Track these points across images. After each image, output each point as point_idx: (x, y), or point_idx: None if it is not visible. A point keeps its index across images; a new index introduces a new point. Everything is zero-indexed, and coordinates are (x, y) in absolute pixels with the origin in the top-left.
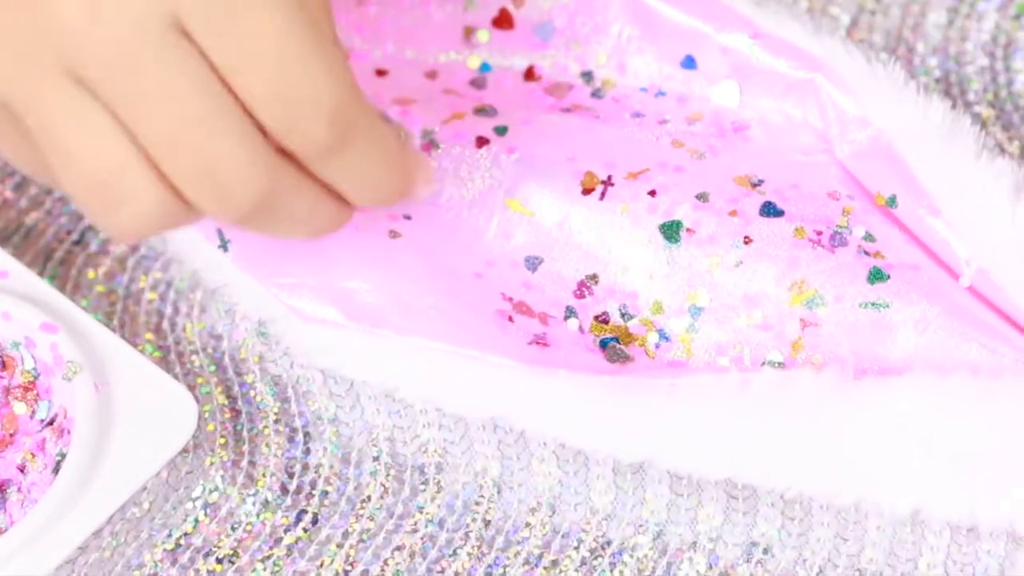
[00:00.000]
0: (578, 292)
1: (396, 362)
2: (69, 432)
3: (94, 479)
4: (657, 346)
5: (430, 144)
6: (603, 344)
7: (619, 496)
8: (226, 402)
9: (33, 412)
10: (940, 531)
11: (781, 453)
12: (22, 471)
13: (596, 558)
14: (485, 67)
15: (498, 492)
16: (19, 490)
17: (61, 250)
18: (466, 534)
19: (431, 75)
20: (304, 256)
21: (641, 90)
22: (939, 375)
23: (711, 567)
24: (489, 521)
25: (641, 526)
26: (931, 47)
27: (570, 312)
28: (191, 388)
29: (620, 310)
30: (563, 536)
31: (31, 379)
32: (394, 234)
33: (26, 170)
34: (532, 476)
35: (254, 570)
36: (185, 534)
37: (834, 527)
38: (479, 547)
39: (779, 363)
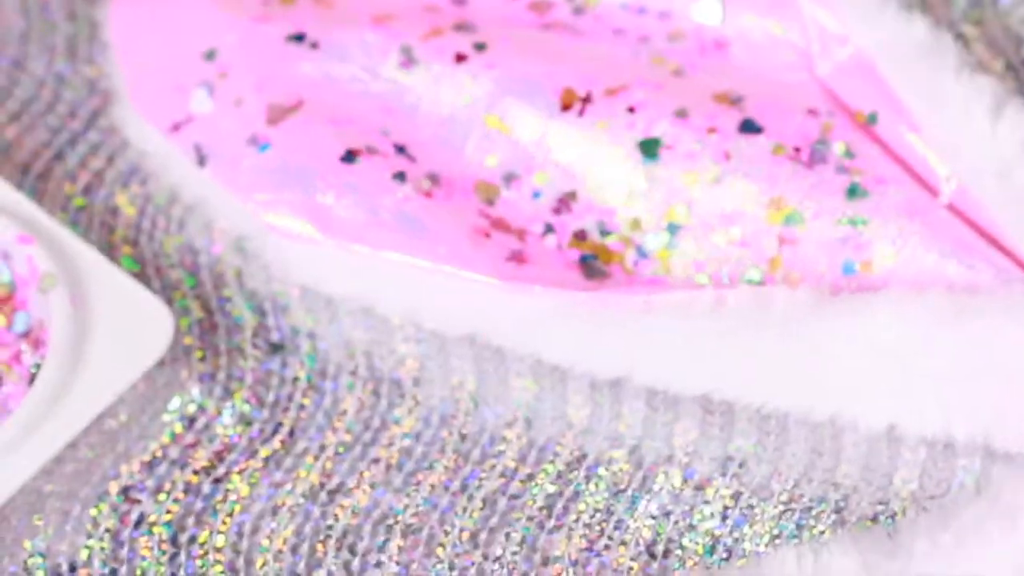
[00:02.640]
0: (556, 208)
1: (373, 278)
2: (45, 344)
3: (69, 391)
4: (635, 263)
5: (408, 60)
6: (581, 260)
7: (595, 411)
8: (204, 316)
9: (10, 324)
10: (915, 447)
11: (757, 369)
12: None
13: (572, 471)
14: None
15: (475, 406)
16: None
17: (39, 165)
18: (442, 447)
19: None
20: (281, 172)
21: (622, 7)
22: (916, 292)
23: (686, 481)
24: (465, 435)
25: (617, 440)
26: None
27: (548, 228)
28: (169, 303)
29: (598, 227)
30: (539, 450)
31: (8, 291)
32: (371, 149)
33: None
34: (509, 391)
35: (230, 482)
36: (162, 446)
37: (810, 442)
38: (455, 460)
39: (757, 280)
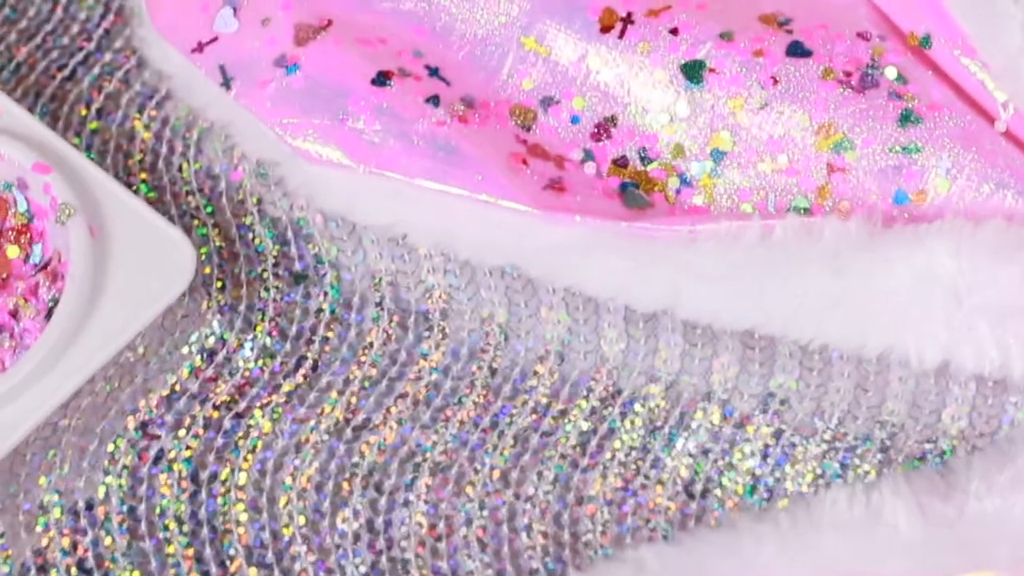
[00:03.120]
0: (595, 134)
1: (405, 205)
2: (63, 277)
3: (87, 326)
4: (677, 191)
5: None
6: (622, 188)
7: (631, 345)
8: (223, 245)
9: (27, 256)
10: (966, 383)
11: (804, 303)
12: (14, 316)
13: (606, 408)
14: None
15: (505, 339)
16: (11, 336)
17: (52, 86)
18: (471, 382)
19: None
20: (310, 94)
21: None
22: (971, 223)
23: (725, 418)
24: (495, 369)
25: (653, 376)
26: None
27: (587, 155)
28: (187, 230)
29: (639, 153)
30: (572, 385)
31: (24, 221)
32: (403, 72)
33: None
34: (541, 324)
35: (252, 417)
36: (181, 380)
37: (854, 378)
38: (485, 395)
39: (805, 209)
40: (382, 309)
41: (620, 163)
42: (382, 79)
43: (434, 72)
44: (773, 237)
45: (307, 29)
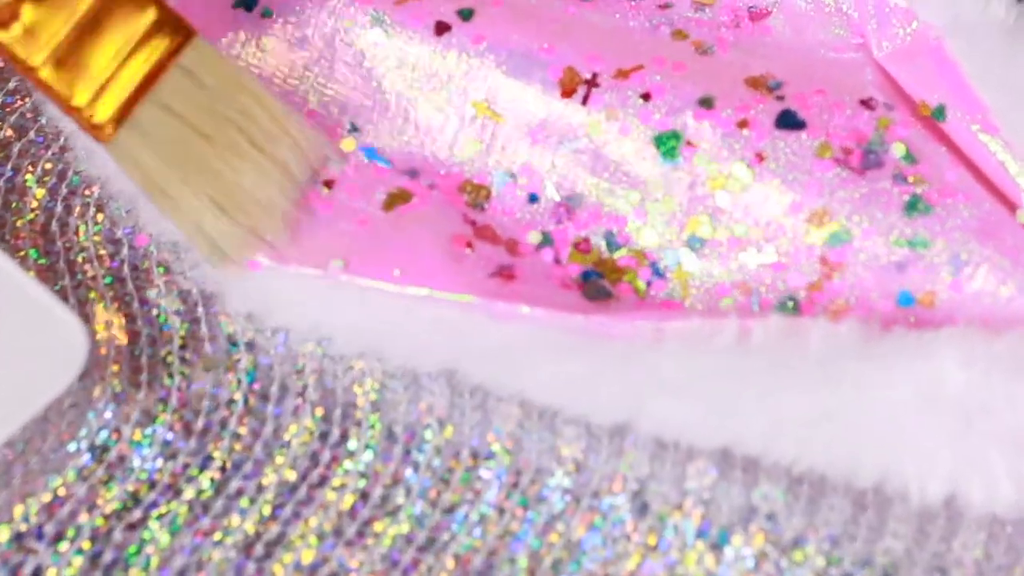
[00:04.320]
0: (555, 214)
1: (323, 305)
2: None
3: None
4: (648, 283)
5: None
6: (583, 278)
7: (591, 445)
8: (122, 321)
9: None
10: (977, 524)
11: (786, 420)
12: None
13: (560, 522)
14: None
15: (446, 436)
16: None
17: None
18: (406, 489)
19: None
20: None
21: None
22: (987, 332)
23: (700, 535)
24: (435, 472)
25: (617, 482)
26: None
27: (545, 239)
28: (81, 303)
29: (605, 238)
30: (522, 493)
31: None
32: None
33: None
34: (487, 417)
35: (147, 528)
36: (66, 482)
37: (852, 494)
38: (421, 505)
39: (793, 309)
40: (304, 400)
41: (582, 248)
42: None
43: (371, 153)
44: (751, 340)
45: None
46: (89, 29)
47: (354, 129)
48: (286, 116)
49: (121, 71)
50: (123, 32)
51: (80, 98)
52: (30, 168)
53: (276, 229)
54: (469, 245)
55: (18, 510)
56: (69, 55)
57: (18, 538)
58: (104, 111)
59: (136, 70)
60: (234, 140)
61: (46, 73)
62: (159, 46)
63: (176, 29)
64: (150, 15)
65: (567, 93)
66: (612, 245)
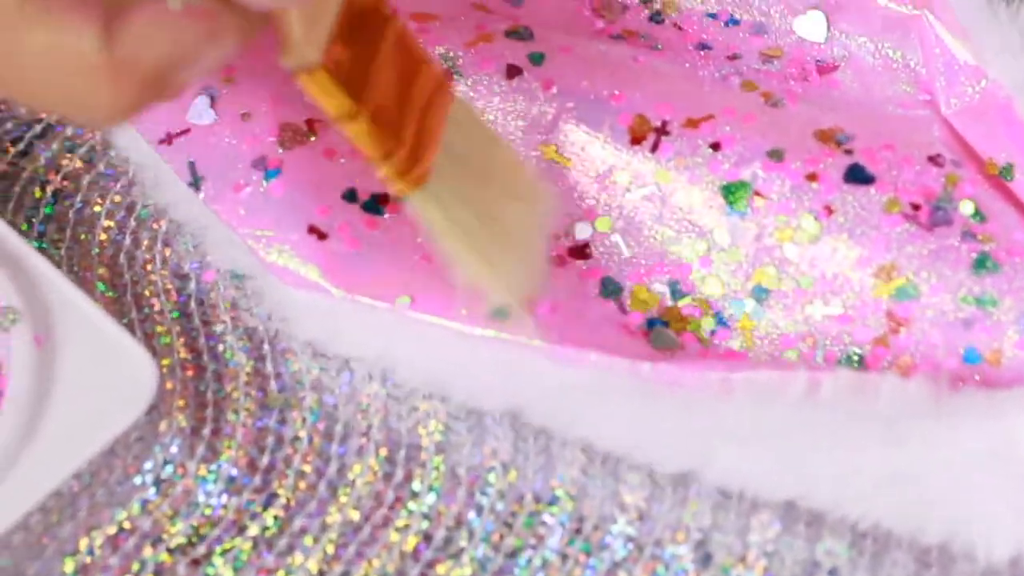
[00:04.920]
0: (620, 261)
1: (390, 338)
2: (1, 393)
3: (27, 452)
4: (712, 333)
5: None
6: (648, 326)
7: (655, 494)
8: (189, 356)
9: None
10: None
11: (854, 475)
12: None
13: (622, 570)
14: None
15: (510, 480)
16: None
17: (3, 162)
18: (469, 532)
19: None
20: (289, 205)
21: (709, 16)
22: None
23: None
24: (498, 515)
25: (680, 531)
26: None
27: (610, 285)
28: (148, 337)
29: (670, 287)
30: (585, 539)
31: None
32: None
33: None
34: (551, 462)
35: (211, 564)
36: (131, 516)
37: (915, 551)
38: (484, 548)
39: (858, 363)
40: (368, 440)
41: (647, 297)
42: (375, 206)
43: None
44: (821, 394)
45: (293, 131)
46: (397, 88)
47: None
48: (521, 164)
49: (418, 128)
50: (408, 92)
51: (394, 154)
52: (99, 200)
53: (539, 273)
54: None
55: (83, 542)
56: (384, 111)
57: (84, 570)
58: (415, 167)
59: (427, 126)
60: (501, 184)
61: (362, 127)
62: (443, 101)
63: (443, 89)
64: (425, 75)
65: (636, 140)
66: (676, 293)
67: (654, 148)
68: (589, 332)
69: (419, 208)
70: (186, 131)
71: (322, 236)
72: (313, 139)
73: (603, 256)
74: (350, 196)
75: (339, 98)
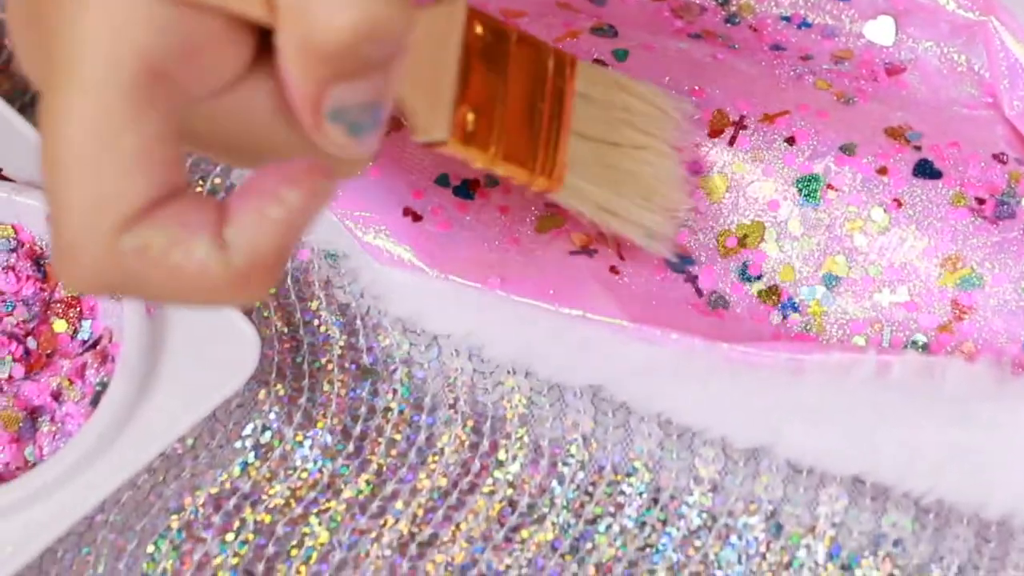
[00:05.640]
0: (697, 249)
1: (479, 315)
2: (113, 359)
3: (137, 415)
4: (784, 317)
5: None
6: (723, 308)
7: (728, 467)
8: (286, 330)
9: (75, 331)
10: None
11: (920, 452)
12: (56, 398)
13: (698, 538)
14: None
15: (590, 451)
16: (52, 420)
17: None
18: (551, 499)
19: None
20: (386, 188)
21: (783, 19)
22: None
23: (832, 557)
24: (578, 485)
25: (753, 503)
26: None
27: (687, 271)
28: (247, 312)
29: (741, 271)
30: (662, 508)
31: (75, 294)
32: (491, 180)
33: None
34: (630, 435)
35: (308, 524)
36: (232, 477)
37: (976, 524)
38: (566, 515)
39: (924, 347)
40: (455, 412)
41: (721, 280)
42: (466, 190)
43: None
44: (890, 375)
45: (393, 118)
46: (520, 106)
47: None
48: (651, 93)
49: (550, 127)
50: (540, 90)
51: (534, 171)
52: (200, 183)
53: (684, 199)
54: (615, 271)
55: (187, 501)
56: (514, 137)
57: (187, 527)
58: (554, 171)
59: (557, 118)
60: (631, 137)
61: (500, 167)
62: (563, 86)
63: (566, 64)
64: (550, 62)
65: (714, 133)
66: (749, 278)
67: (732, 141)
68: (667, 312)
69: (564, 201)
70: None
71: (417, 218)
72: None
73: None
74: (442, 180)
75: (475, 154)
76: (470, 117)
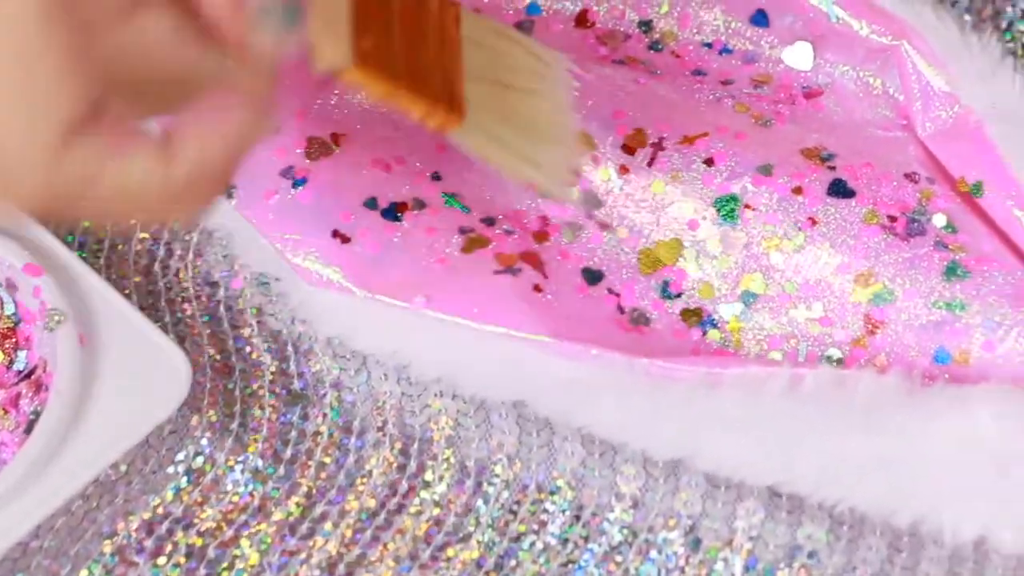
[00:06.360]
0: (620, 266)
1: (405, 334)
2: (47, 388)
3: (71, 442)
4: (704, 333)
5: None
6: (643, 324)
7: (649, 483)
8: (218, 357)
9: (11, 362)
10: (1006, 565)
11: (833, 463)
12: None
13: (619, 553)
14: (533, 8)
15: (514, 471)
16: None
17: None
18: (476, 518)
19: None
20: (314, 212)
21: (704, 45)
22: (1019, 389)
23: (748, 570)
24: (503, 504)
25: (672, 518)
26: (1020, 11)
27: (610, 288)
28: (180, 339)
29: (662, 289)
30: (584, 525)
31: (11, 325)
32: (418, 202)
33: None
34: (553, 454)
35: (238, 547)
36: (165, 502)
37: (889, 536)
38: (491, 533)
39: (838, 361)
40: (384, 434)
41: (641, 297)
42: (393, 213)
43: (452, 197)
44: (803, 388)
45: (319, 145)
46: (410, 39)
47: (436, 177)
48: (533, 43)
49: (443, 65)
50: (427, 26)
51: (434, 104)
52: None
53: (577, 147)
54: (540, 289)
55: (120, 526)
56: (410, 69)
57: (120, 551)
58: (452, 105)
59: (450, 58)
60: (523, 81)
61: (400, 97)
62: (449, 27)
63: (448, 6)
64: (433, 2)
65: (630, 150)
66: (669, 296)
67: (651, 163)
68: (589, 328)
69: (462, 140)
70: None
71: (345, 240)
72: (337, 151)
73: (605, 260)
74: (371, 204)
75: (378, 84)
76: (368, 45)
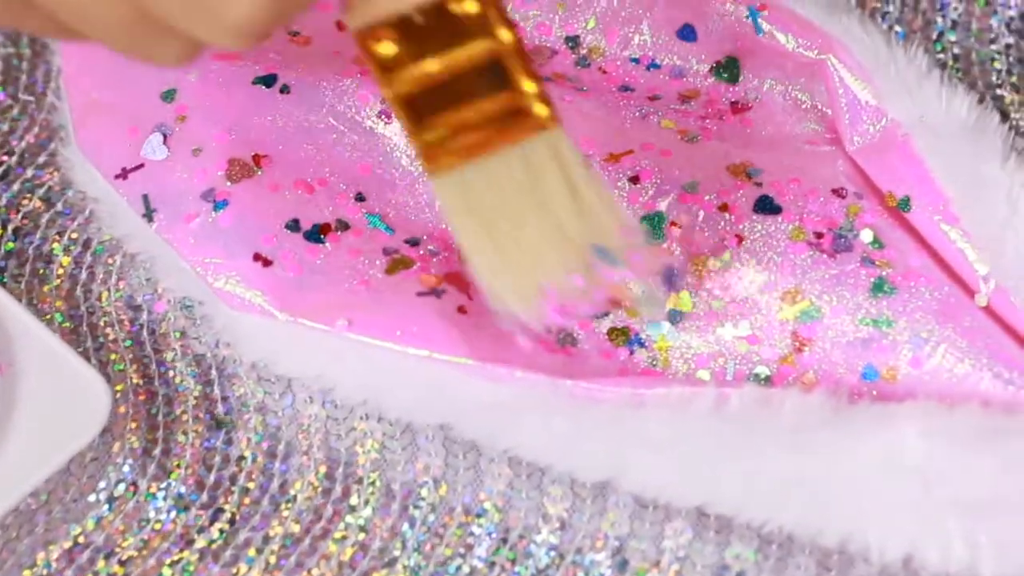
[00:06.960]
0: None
1: (328, 358)
2: None
3: None
4: (631, 353)
5: (388, 110)
6: (569, 345)
7: (576, 504)
8: (140, 382)
9: None
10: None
11: (759, 482)
12: None
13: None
14: None
15: (441, 493)
16: None
17: None
18: (403, 542)
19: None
20: (236, 235)
21: (632, 60)
22: (945, 406)
23: None
24: (430, 527)
25: (599, 540)
26: (950, 21)
27: None
28: (102, 364)
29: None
30: (511, 547)
31: None
32: (341, 224)
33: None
34: (480, 477)
35: (160, 575)
36: (86, 531)
37: (817, 555)
38: (418, 558)
39: (766, 379)
40: (309, 458)
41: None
42: (316, 235)
43: (375, 220)
44: (728, 407)
45: (241, 166)
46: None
47: (360, 198)
48: (610, 201)
49: (477, 123)
50: (489, 85)
51: (423, 134)
52: (56, 238)
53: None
54: (464, 311)
55: (40, 556)
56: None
57: None
58: (442, 150)
59: (493, 128)
60: (565, 215)
61: (398, 104)
62: (524, 127)
63: (542, 103)
64: (525, 83)
65: None
66: (595, 315)
67: None
68: (516, 350)
69: (441, 192)
70: (140, 166)
71: (267, 263)
72: (259, 173)
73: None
74: (293, 226)
75: (388, 72)
76: (392, 42)
